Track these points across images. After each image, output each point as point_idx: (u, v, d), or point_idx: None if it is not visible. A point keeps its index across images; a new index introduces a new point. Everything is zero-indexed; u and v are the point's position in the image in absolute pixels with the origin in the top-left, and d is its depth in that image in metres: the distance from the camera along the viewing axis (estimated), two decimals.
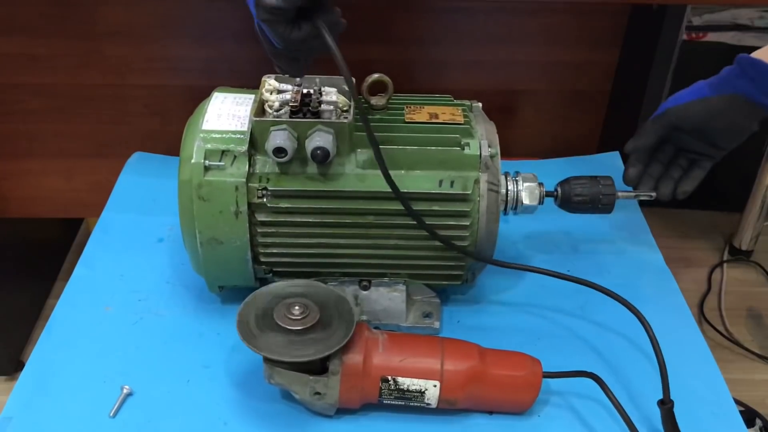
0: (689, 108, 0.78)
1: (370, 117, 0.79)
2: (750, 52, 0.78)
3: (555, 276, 0.81)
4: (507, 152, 0.85)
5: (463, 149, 0.76)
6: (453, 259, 0.80)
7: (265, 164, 0.75)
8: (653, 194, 0.86)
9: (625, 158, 0.88)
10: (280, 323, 0.69)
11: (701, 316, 1.66)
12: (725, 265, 1.80)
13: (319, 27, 0.65)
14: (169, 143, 0.92)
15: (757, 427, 1.40)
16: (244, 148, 0.75)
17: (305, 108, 0.75)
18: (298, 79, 0.75)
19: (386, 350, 0.71)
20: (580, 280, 0.81)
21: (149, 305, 0.86)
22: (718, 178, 1.79)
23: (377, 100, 0.79)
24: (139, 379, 0.76)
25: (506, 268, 0.82)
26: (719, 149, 0.84)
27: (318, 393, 0.70)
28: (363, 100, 0.79)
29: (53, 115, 1.21)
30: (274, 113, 0.76)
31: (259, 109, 0.76)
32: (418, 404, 0.72)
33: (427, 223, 0.76)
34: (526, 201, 0.81)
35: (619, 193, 0.84)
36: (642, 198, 0.87)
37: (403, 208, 0.74)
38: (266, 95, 0.77)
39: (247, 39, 0.67)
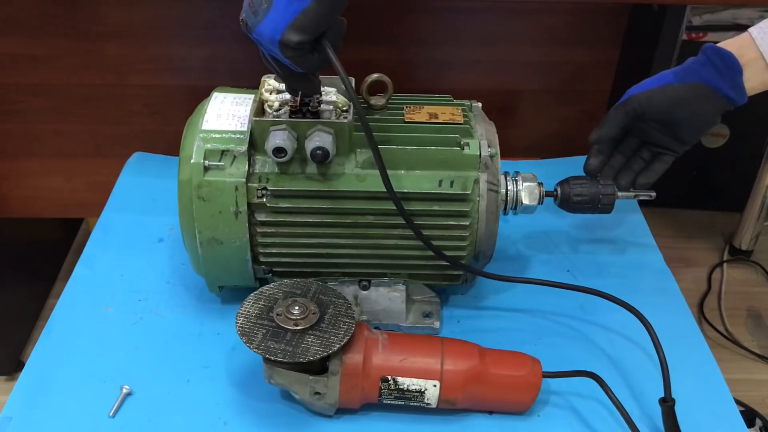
0: (653, 95, 0.77)
1: (369, 117, 0.79)
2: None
3: (550, 285, 0.81)
4: (507, 152, 0.85)
5: (463, 149, 0.76)
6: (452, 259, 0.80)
7: (265, 164, 0.75)
8: (653, 194, 0.86)
9: (590, 148, 0.86)
10: (280, 323, 0.69)
11: (701, 316, 1.66)
12: (725, 265, 1.80)
13: (325, 48, 0.65)
14: (169, 143, 0.93)
15: (757, 427, 1.40)
16: (244, 148, 0.75)
17: (305, 108, 0.75)
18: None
19: (386, 350, 0.71)
20: (578, 287, 0.81)
21: (149, 305, 0.86)
22: (718, 178, 1.81)
23: (377, 100, 0.79)
24: (138, 379, 0.76)
25: (504, 271, 0.82)
26: (681, 143, 0.83)
27: (318, 393, 0.70)
28: (362, 101, 0.79)
29: (53, 115, 1.21)
30: (274, 113, 0.76)
31: (259, 109, 0.76)
32: (418, 404, 0.72)
33: (427, 223, 0.76)
34: (525, 201, 0.81)
35: (619, 193, 0.84)
36: (642, 198, 0.86)
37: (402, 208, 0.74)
38: (266, 95, 0.77)
39: (247, 39, 0.67)
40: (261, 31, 0.63)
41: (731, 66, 0.74)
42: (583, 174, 0.86)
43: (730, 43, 0.76)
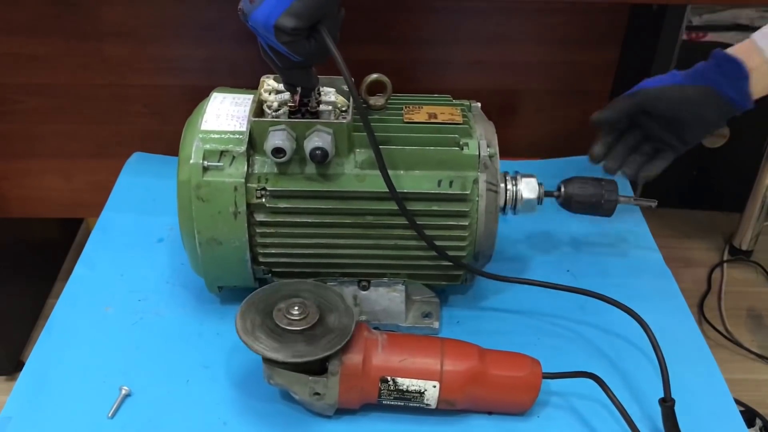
0: (662, 92, 0.78)
1: (368, 117, 0.79)
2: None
3: (547, 286, 0.81)
4: (507, 152, 0.85)
5: (462, 149, 0.76)
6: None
7: (264, 164, 0.75)
8: (654, 202, 0.86)
9: (592, 128, 0.85)
10: (279, 323, 0.69)
11: (701, 316, 1.66)
12: (725, 265, 1.80)
13: (321, 33, 0.66)
14: (169, 143, 0.92)
15: (757, 427, 1.40)
16: (243, 148, 0.74)
17: (304, 108, 0.75)
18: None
19: (385, 351, 0.71)
20: (576, 289, 0.81)
21: (149, 305, 0.86)
22: (718, 178, 1.81)
23: (376, 101, 0.79)
24: (138, 380, 0.76)
25: (504, 271, 0.82)
26: (684, 142, 0.83)
27: (317, 393, 0.70)
28: (362, 101, 0.79)
29: (53, 115, 1.21)
30: (273, 113, 0.76)
31: (258, 109, 0.76)
32: (418, 405, 0.71)
33: (426, 223, 0.76)
34: (526, 195, 0.80)
35: (621, 198, 0.84)
36: (642, 204, 0.86)
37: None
38: (265, 95, 0.78)
39: (246, 39, 0.68)
40: (256, 16, 0.64)
41: (739, 72, 0.75)
42: (583, 175, 0.86)
43: (737, 49, 0.77)
